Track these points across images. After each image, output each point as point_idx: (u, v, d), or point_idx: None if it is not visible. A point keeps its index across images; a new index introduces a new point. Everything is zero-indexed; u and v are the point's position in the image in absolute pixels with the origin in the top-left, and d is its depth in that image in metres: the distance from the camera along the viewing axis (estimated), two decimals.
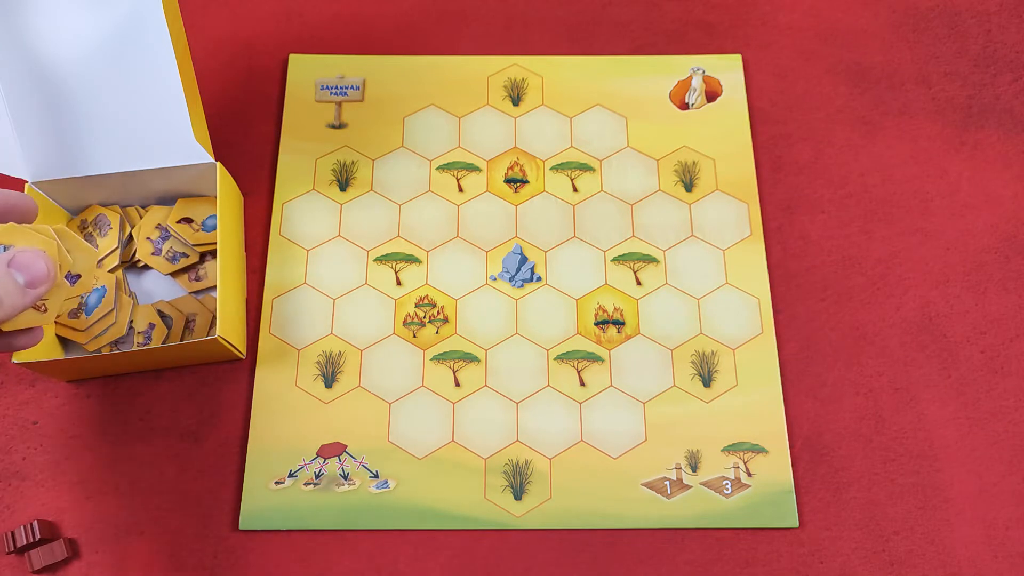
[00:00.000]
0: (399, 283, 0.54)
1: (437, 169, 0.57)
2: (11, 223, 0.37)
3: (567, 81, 0.59)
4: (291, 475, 0.49)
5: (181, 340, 0.50)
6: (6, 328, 0.38)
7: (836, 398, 0.51)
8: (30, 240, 0.37)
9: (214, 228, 0.52)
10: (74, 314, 0.50)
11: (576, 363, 0.52)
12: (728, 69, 0.59)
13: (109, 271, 0.52)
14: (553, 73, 0.59)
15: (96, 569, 0.48)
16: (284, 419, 0.50)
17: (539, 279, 0.54)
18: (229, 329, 0.49)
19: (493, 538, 0.48)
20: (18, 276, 0.35)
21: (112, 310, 0.50)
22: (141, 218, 0.53)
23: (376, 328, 0.52)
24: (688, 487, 0.49)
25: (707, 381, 0.51)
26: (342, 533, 0.48)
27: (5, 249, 0.37)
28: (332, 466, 0.49)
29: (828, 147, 0.58)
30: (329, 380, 0.51)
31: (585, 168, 0.57)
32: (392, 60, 0.60)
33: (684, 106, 0.59)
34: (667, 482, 0.49)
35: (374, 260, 0.54)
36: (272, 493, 0.49)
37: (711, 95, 0.59)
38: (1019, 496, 0.49)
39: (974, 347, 0.52)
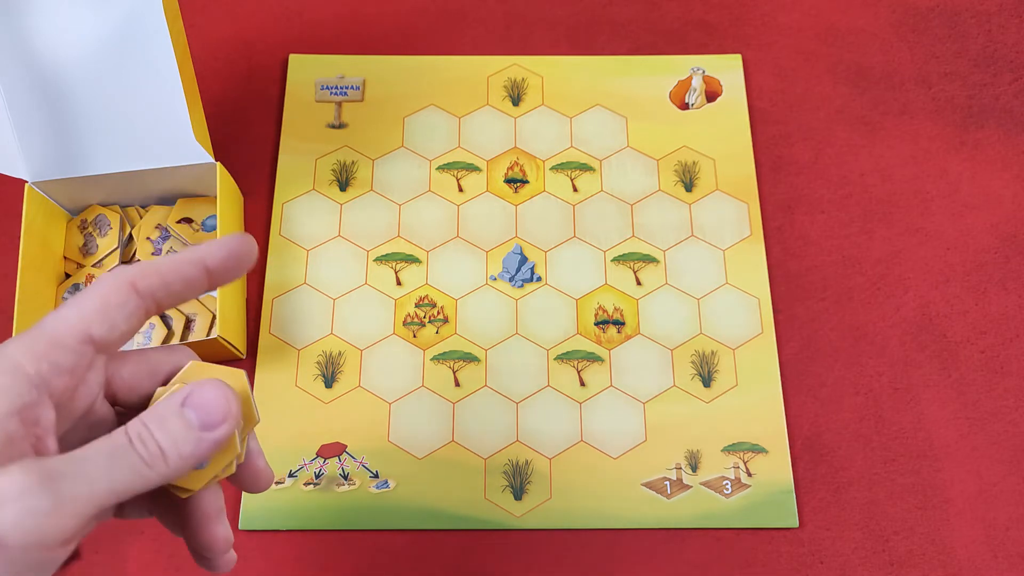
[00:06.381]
0: (399, 283, 0.54)
1: (437, 169, 0.57)
2: (196, 362, 0.30)
3: (567, 81, 0.59)
4: (291, 475, 0.49)
5: (181, 340, 0.50)
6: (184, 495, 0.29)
7: (836, 398, 0.51)
8: (214, 375, 0.30)
9: (214, 228, 0.52)
10: None
11: (576, 363, 0.52)
12: (728, 69, 0.59)
13: (109, 271, 0.52)
14: (553, 73, 0.59)
15: (96, 569, 0.48)
16: (284, 419, 0.50)
17: (539, 279, 0.54)
18: (229, 329, 0.49)
19: (493, 538, 0.48)
20: (191, 415, 0.27)
21: None
22: (141, 218, 0.53)
23: (376, 328, 0.52)
24: (688, 487, 0.49)
25: (707, 381, 0.51)
26: (342, 533, 0.48)
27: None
28: (332, 466, 0.49)
29: (828, 147, 0.58)
30: (329, 380, 0.51)
31: (585, 168, 0.57)
32: (392, 60, 0.60)
33: (684, 106, 0.58)
34: (667, 482, 0.49)
35: (374, 260, 0.54)
36: (272, 493, 0.48)
37: (711, 95, 0.59)
38: (1019, 496, 0.49)
39: (974, 347, 0.52)
